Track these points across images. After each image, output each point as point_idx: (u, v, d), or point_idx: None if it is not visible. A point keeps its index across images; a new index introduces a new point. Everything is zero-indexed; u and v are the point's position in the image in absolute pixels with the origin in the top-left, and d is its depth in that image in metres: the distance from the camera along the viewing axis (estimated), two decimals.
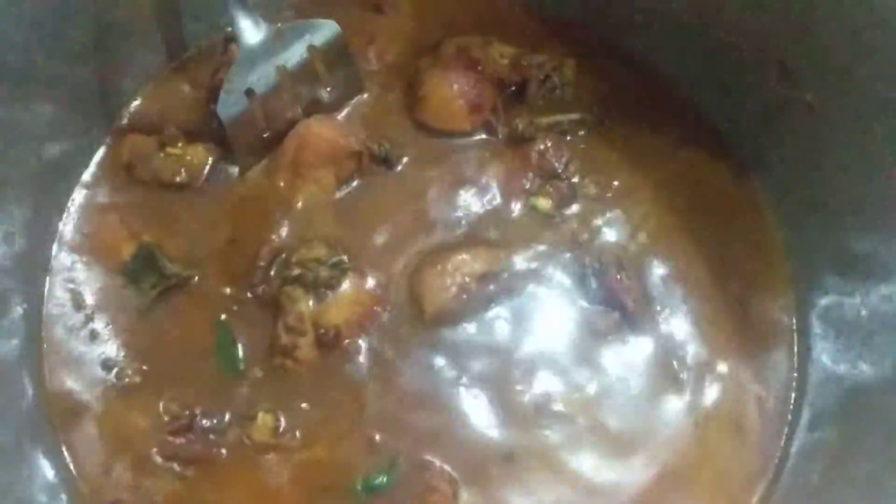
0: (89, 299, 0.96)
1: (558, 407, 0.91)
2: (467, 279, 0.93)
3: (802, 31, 0.89)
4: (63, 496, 0.88)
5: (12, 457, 0.84)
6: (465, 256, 0.94)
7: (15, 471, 0.84)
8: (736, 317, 0.97)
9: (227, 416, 0.90)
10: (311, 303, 0.92)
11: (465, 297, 0.93)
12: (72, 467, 0.90)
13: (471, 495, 0.88)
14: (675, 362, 0.94)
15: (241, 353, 0.93)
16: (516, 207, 1.00)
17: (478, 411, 0.91)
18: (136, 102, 1.05)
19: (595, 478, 0.89)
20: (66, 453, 0.90)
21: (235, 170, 1.01)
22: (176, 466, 0.88)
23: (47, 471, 0.88)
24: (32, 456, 0.87)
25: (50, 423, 0.91)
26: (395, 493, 0.88)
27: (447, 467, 0.89)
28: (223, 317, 0.94)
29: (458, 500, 0.87)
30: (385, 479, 0.88)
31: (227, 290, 0.95)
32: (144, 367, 0.92)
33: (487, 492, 0.88)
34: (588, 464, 0.90)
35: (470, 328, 0.94)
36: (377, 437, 0.90)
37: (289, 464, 0.88)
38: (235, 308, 0.94)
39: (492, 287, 0.94)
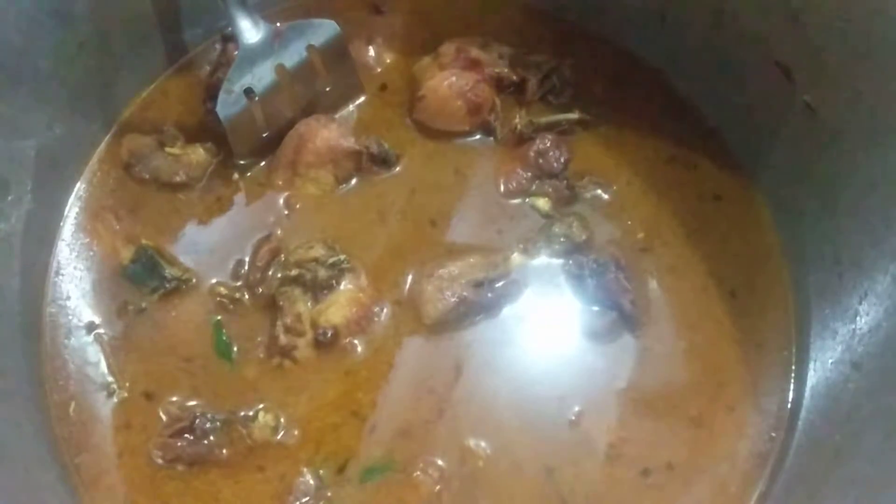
0: (88, 300, 0.96)
1: (553, 409, 0.91)
2: (463, 288, 0.93)
3: (802, 32, 0.89)
4: (65, 499, 0.87)
5: (13, 456, 0.84)
6: (461, 264, 0.95)
7: (15, 472, 0.84)
8: (734, 317, 0.96)
9: (227, 417, 0.90)
10: (309, 303, 0.92)
11: (462, 305, 0.93)
12: (74, 470, 0.89)
13: (455, 486, 0.88)
14: (673, 362, 0.94)
15: (235, 352, 0.93)
16: (515, 208, 1.00)
17: (474, 412, 0.91)
18: (136, 102, 1.06)
19: (582, 482, 0.89)
20: (66, 456, 0.90)
21: (234, 169, 1.02)
22: (178, 467, 0.88)
23: (50, 474, 0.88)
24: (35, 459, 0.87)
25: (51, 424, 0.91)
26: (387, 478, 0.88)
27: (439, 461, 0.89)
28: (219, 317, 0.94)
29: (443, 490, 0.88)
30: (380, 469, 0.88)
31: (226, 291, 0.95)
32: (144, 369, 0.92)
33: (471, 483, 0.88)
34: (572, 464, 0.89)
35: (468, 333, 0.94)
36: (375, 434, 0.90)
37: (289, 461, 0.88)
38: (234, 308, 0.94)
39: (489, 295, 0.94)
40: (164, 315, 0.94)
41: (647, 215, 1.00)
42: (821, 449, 0.88)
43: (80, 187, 1.01)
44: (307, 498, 0.87)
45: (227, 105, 0.97)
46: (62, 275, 0.97)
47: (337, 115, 1.04)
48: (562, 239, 0.98)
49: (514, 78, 1.05)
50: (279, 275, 0.94)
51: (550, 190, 1.00)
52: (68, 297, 0.96)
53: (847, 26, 0.83)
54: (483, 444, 0.90)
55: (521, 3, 1.10)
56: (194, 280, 0.96)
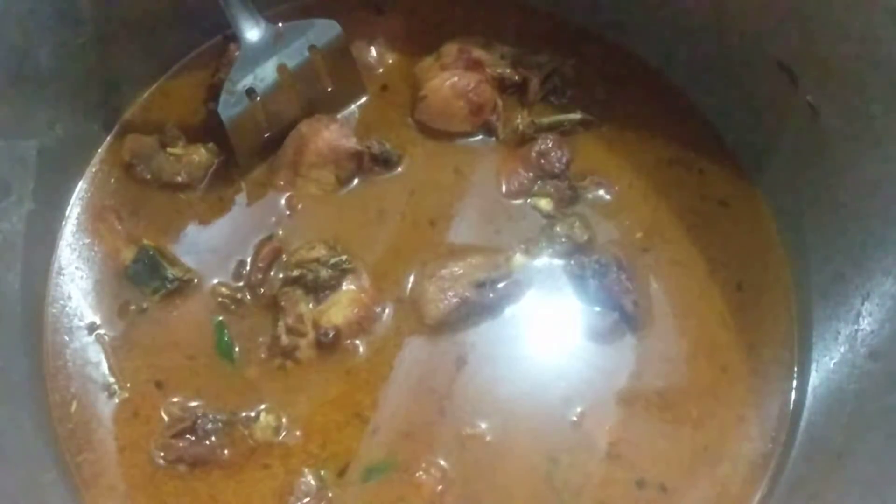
0: (90, 301, 0.96)
1: (555, 410, 0.91)
2: (465, 288, 0.93)
3: (805, 32, 0.89)
4: (66, 498, 0.87)
5: (13, 456, 0.84)
6: (462, 264, 0.95)
7: (16, 471, 0.84)
8: (735, 318, 0.96)
9: (229, 417, 0.90)
10: (310, 303, 0.92)
11: (463, 306, 0.93)
12: (75, 470, 0.89)
13: (456, 486, 0.88)
14: (675, 363, 0.94)
15: (236, 352, 0.93)
16: (517, 208, 1.00)
17: (475, 412, 0.91)
18: (137, 102, 1.06)
19: (579, 479, 0.89)
20: (67, 455, 0.90)
21: (236, 170, 1.01)
22: (180, 468, 0.88)
23: (51, 473, 0.87)
24: (35, 458, 0.87)
25: (52, 424, 0.91)
26: (389, 477, 0.88)
27: (441, 461, 0.89)
28: (221, 318, 0.94)
29: (445, 490, 0.88)
30: (382, 469, 0.88)
31: (227, 292, 0.95)
32: (146, 370, 0.92)
33: (472, 483, 0.88)
34: (573, 464, 0.89)
35: (469, 334, 0.94)
36: (377, 434, 0.90)
37: (291, 462, 0.88)
38: (235, 309, 0.94)
39: (491, 295, 0.94)
40: (165, 315, 0.94)
41: (648, 216, 1.00)
42: (823, 450, 0.88)
43: (81, 187, 1.01)
44: (308, 498, 0.87)
45: (229, 105, 0.97)
46: (63, 275, 0.97)
47: (338, 116, 1.04)
48: (563, 239, 0.98)
49: (516, 78, 1.05)
50: (281, 275, 0.94)
51: (552, 190, 1.00)
52: (70, 298, 0.96)
53: (850, 27, 0.83)
54: (485, 440, 0.90)
55: (523, 3, 1.10)
56: (196, 280, 0.96)
